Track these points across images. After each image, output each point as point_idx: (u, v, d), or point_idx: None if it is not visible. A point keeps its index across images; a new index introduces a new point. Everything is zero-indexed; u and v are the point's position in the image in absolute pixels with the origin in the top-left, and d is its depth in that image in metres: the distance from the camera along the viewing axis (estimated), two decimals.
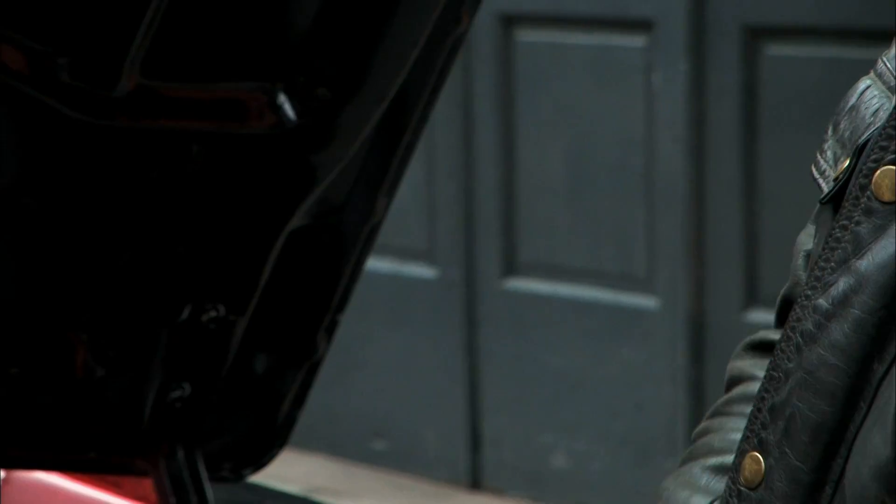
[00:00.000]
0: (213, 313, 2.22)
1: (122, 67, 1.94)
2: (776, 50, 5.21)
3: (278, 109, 2.03)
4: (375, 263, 5.74)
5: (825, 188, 1.58)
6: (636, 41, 5.55)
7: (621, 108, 5.47)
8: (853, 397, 1.41)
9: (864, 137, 1.54)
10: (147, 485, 2.36)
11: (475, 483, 6.19)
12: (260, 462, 2.36)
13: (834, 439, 1.42)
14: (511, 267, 5.89)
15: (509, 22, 5.88)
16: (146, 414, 2.27)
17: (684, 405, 5.14)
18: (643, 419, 5.35)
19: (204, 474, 2.30)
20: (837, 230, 1.48)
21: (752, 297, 4.97)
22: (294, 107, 2.04)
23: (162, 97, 1.99)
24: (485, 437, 6.18)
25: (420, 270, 6.17)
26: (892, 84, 1.64)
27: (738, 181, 5.09)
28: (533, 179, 5.76)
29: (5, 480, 2.61)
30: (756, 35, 5.23)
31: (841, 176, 1.54)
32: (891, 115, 1.51)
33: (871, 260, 1.43)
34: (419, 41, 2.12)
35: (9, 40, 1.96)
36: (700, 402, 5.04)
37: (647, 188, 5.29)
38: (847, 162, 1.55)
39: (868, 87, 1.66)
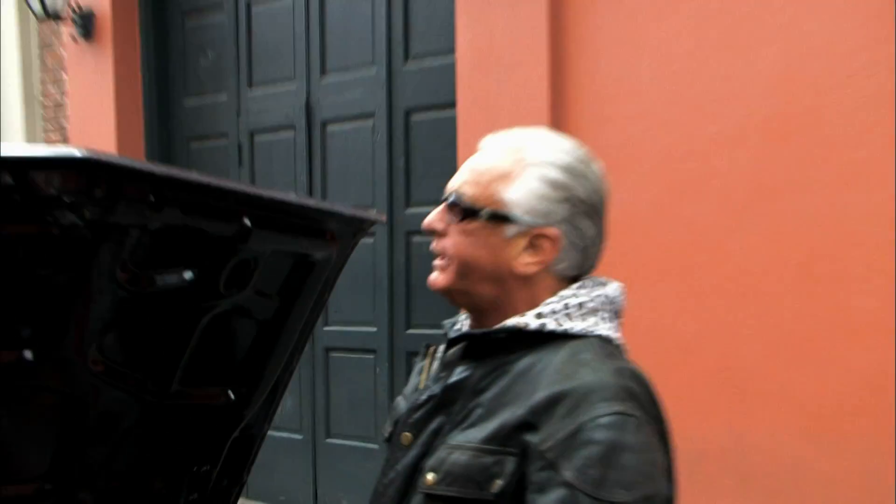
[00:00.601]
0: (205, 468, 2.48)
1: (172, 381, 2.30)
2: None
3: (228, 395, 2.40)
4: None
5: (385, 433, 1.90)
6: None
7: None
8: None
9: (400, 408, 1.86)
10: None
11: None
12: None
13: None
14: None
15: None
16: None
17: None
18: None
19: None
20: (385, 458, 1.82)
21: None
22: (235, 393, 2.41)
23: (186, 392, 2.34)
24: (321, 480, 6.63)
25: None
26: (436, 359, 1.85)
27: None
28: None
29: None
30: None
31: (388, 433, 1.87)
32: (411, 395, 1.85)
33: (397, 471, 1.74)
34: (282, 366, 2.44)
35: (124, 376, 2.27)
36: None
37: None
38: (390, 427, 1.87)
39: (421, 367, 1.89)
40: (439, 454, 1.69)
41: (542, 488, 1.56)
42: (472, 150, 5.27)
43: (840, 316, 4.38)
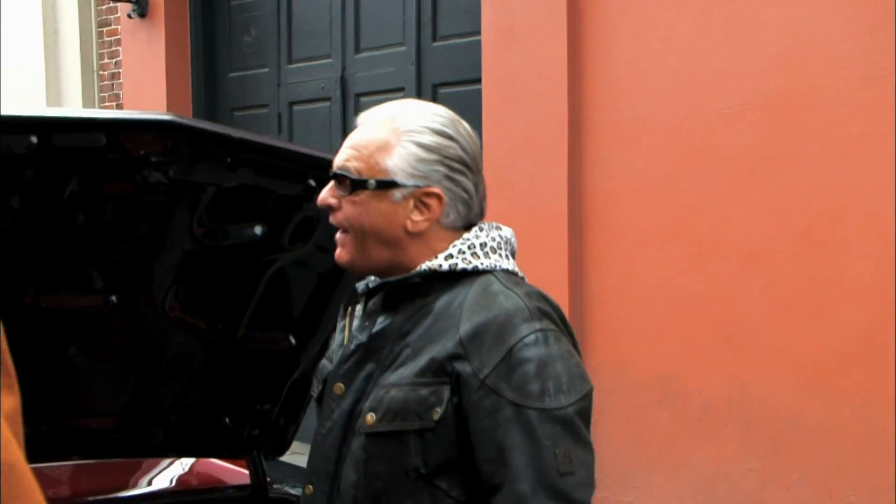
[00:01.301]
0: (266, 406, 2.54)
1: (239, 328, 2.39)
2: None
3: (289, 341, 2.44)
4: None
5: (314, 393, 1.89)
6: None
7: None
8: (340, 455, 1.73)
9: (326, 369, 1.85)
10: (243, 463, 2.66)
11: None
12: (280, 454, 2.65)
13: (335, 472, 1.72)
14: None
15: None
16: (244, 439, 2.56)
17: None
18: None
19: (262, 459, 2.61)
20: (320, 412, 1.81)
21: None
22: (294, 338, 2.45)
23: (254, 337, 2.42)
24: None
25: None
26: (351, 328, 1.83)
27: None
28: None
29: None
30: None
31: (320, 388, 1.85)
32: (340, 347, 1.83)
33: (333, 420, 1.75)
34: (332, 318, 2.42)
35: (197, 321, 2.36)
36: None
37: None
38: (319, 386, 1.87)
39: (343, 325, 1.86)
40: (375, 395, 1.69)
41: (492, 412, 1.60)
42: (496, 123, 5.39)
43: (837, 277, 4.38)
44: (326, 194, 1.75)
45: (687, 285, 4.80)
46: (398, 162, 1.70)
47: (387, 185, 1.70)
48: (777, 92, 4.51)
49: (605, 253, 5.08)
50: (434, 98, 6.16)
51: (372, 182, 1.70)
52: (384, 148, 1.71)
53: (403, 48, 6.37)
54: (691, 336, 4.78)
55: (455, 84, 6.08)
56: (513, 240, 1.80)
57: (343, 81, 6.71)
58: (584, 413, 1.64)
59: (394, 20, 6.40)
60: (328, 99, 6.83)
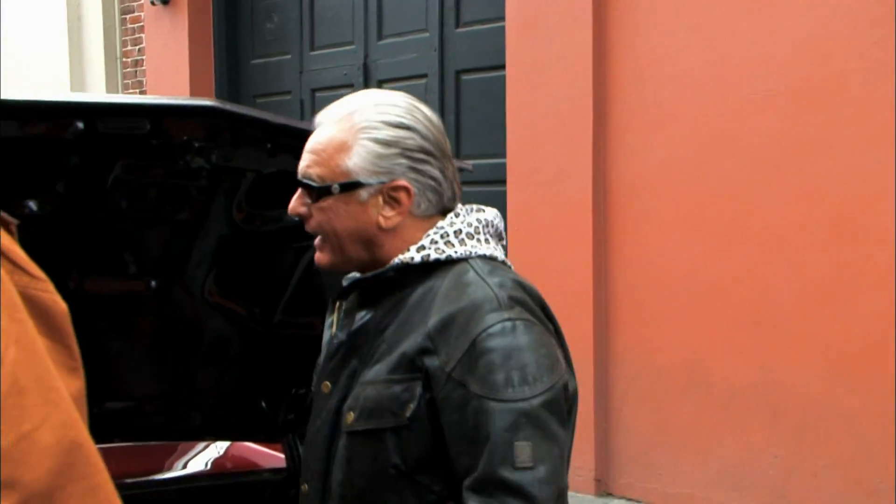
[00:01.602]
0: (301, 391, 2.53)
1: (275, 313, 2.41)
2: None
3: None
4: None
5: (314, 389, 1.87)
6: None
7: None
8: (329, 454, 1.73)
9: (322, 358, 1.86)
10: (279, 446, 2.69)
11: None
12: None
13: (326, 470, 1.73)
14: None
15: None
16: (280, 423, 2.56)
17: None
18: None
19: (297, 443, 2.57)
20: (313, 409, 1.80)
21: None
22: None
23: (290, 322, 2.43)
24: None
25: None
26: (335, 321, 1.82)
27: None
28: None
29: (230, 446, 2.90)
30: None
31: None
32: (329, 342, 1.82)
33: (322, 418, 1.74)
34: None
35: (234, 306, 2.38)
36: None
37: None
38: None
39: (330, 321, 1.85)
40: (354, 393, 1.69)
41: (460, 406, 1.57)
42: (520, 109, 5.38)
43: (864, 263, 4.38)
44: (295, 204, 1.73)
45: (713, 272, 4.81)
46: (358, 161, 1.66)
47: (351, 186, 1.67)
48: (804, 78, 4.51)
49: (630, 239, 5.09)
50: (457, 84, 6.15)
51: (335, 187, 1.67)
52: (342, 148, 1.67)
53: (426, 34, 6.36)
54: (717, 323, 4.79)
55: (478, 70, 6.09)
56: (496, 221, 1.76)
57: (366, 68, 6.72)
58: (553, 405, 1.58)
59: (417, 6, 6.40)
60: (351, 86, 6.82)
